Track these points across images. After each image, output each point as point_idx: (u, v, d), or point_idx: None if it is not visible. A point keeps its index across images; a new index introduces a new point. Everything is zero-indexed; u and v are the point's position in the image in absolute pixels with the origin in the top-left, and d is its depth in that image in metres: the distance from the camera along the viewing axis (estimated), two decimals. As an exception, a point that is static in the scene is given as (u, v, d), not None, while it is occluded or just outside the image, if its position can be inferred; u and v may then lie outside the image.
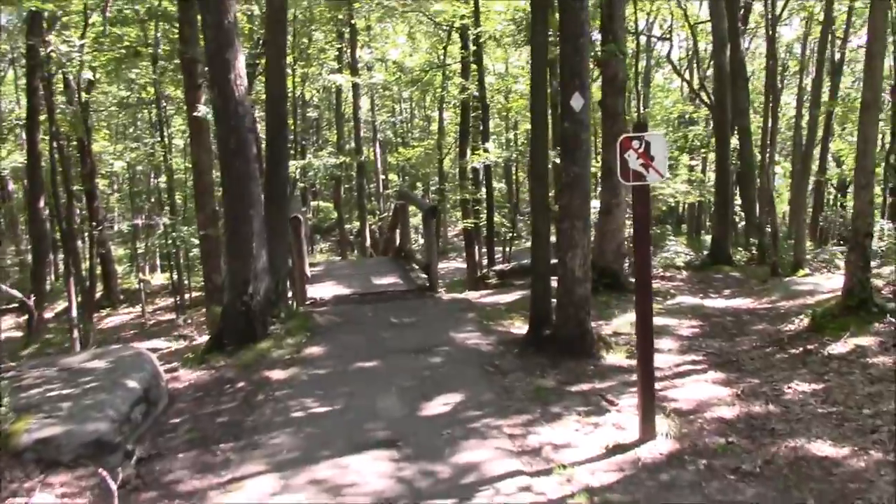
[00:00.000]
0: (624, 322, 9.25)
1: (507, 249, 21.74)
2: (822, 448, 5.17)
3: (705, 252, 16.56)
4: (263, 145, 11.06)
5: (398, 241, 14.11)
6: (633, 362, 7.45)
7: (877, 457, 4.96)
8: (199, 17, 12.10)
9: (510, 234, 22.41)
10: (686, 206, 29.38)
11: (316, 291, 11.09)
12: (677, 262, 14.11)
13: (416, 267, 12.36)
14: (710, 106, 18.11)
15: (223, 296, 9.42)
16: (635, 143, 5.36)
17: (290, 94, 25.77)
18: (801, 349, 7.78)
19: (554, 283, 8.19)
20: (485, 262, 21.54)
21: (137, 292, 27.24)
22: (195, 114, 13.89)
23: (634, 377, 7.03)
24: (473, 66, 21.97)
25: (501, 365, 7.56)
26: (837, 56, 23.61)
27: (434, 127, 37.96)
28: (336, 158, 23.92)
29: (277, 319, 9.16)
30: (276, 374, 7.64)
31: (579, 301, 7.52)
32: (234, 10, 8.68)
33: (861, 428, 5.49)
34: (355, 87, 24.93)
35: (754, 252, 15.99)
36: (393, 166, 41.79)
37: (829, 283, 11.33)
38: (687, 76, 26.43)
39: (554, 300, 8.15)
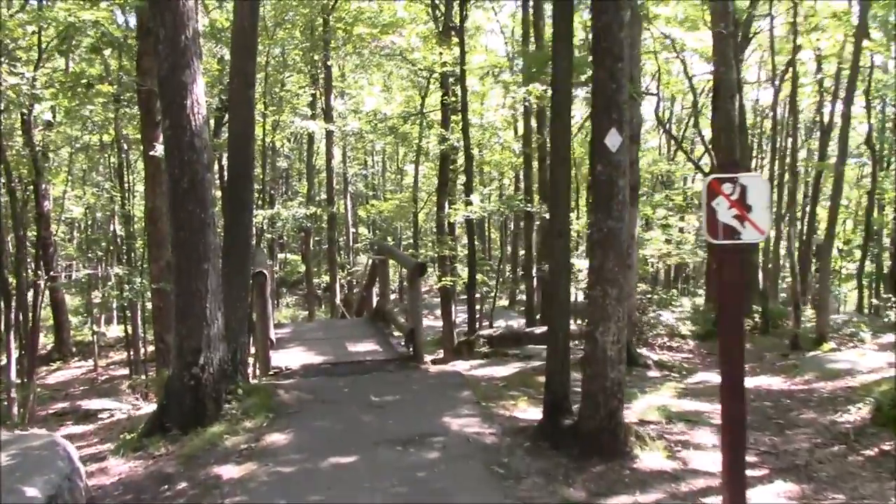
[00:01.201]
0: (648, 406, 7.72)
1: (491, 311, 20.16)
2: None
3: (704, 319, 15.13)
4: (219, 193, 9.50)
5: (375, 301, 12.50)
6: (676, 465, 5.93)
7: None
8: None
9: (492, 294, 20.87)
10: (669, 269, 28.15)
11: (281, 359, 9.42)
12: (682, 331, 12.68)
13: (396, 332, 10.76)
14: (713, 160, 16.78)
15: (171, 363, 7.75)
16: (727, 188, 3.90)
17: (259, 141, 24.34)
18: (876, 450, 6.29)
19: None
20: (460, 321, 19.96)
21: (91, 345, 25.35)
22: (151, 153, 12.30)
23: (684, 487, 5.51)
24: (454, 117, 20.72)
25: (512, 465, 5.96)
26: (827, 117, 22.74)
27: (407, 180, 36.68)
28: (306, 209, 22.39)
29: (233, 396, 7.48)
30: (229, 472, 5.96)
31: (612, 387, 5.96)
32: (193, 25, 7.16)
33: None
34: (329, 135, 23.48)
35: (757, 320, 14.61)
36: (363, 220, 40.36)
37: (864, 360, 9.91)
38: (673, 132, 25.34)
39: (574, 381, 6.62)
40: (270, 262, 12.07)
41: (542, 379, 8.98)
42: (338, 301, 23.13)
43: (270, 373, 8.92)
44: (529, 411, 7.61)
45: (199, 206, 7.08)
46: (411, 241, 37.07)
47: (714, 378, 9.60)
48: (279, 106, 23.61)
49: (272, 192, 30.25)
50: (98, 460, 6.89)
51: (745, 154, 14.79)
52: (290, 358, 9.47)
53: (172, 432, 6.97)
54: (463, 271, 23.60)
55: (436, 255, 20.16)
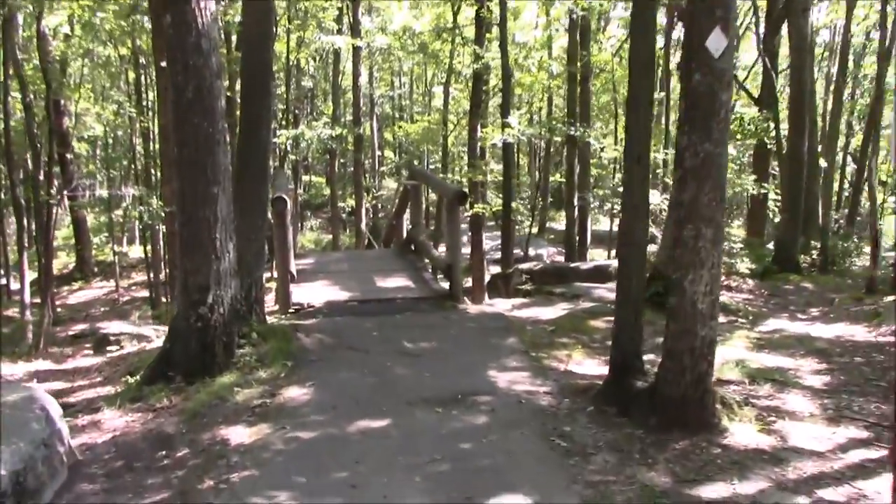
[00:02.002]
0: (724, 361, 6.60)
1: (527, 240, 18.96)
2: None
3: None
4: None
5: (405, 231, 11.40)
6: (774, 441, 4.85)
7: None
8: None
9: (526, 223, 19.66)
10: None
11: (303, 294, 8.38)
12: (741, 269, 11.49)
13: (430, 266, 9.67)
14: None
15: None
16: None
17: (283, 60, 23.00)
18: None
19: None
20: (487, 248, 18.85)
21: (113, 265, 24.60)
22: (164, 64, 11.08)
23: (791, 473, 4.43)
24: (488, 34, 19.28)
25: (576, 436, 4.91)
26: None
27: (436, 102, 35.16)
28: (331, 130, 21.18)
29: (247, 340, 6.48)
30: (238, 436, 4.97)
31: (701, 347, 4.86)
32: None
33: None
34: (356, 51, 22.12)
35: (815, 257, 13.39)
36: (390, 142, 39.10)
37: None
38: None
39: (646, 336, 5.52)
40: (292, 186, 10.94)
41: (596, 323, 7.93)
42: (363, 227, 22.06)
43: (290, 310, 7.89)
44: (586, 364, 6.55)
45: (207, 118, 5.97)
46: (439, 164, 35.86)
47: (789, 326, 8.49)
48: (304, 21, 22.22)
49: (296, 111, 29.03)
50: (93, 410, 5.93)
51: (811, 78, 13.32)
52: (313, 293, 8.43)
53: (177, 381, 6.02)
54: (493, 199, 22.46)
55: (466, 181, 18.93)
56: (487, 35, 18.43)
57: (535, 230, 27.82)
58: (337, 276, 9.35)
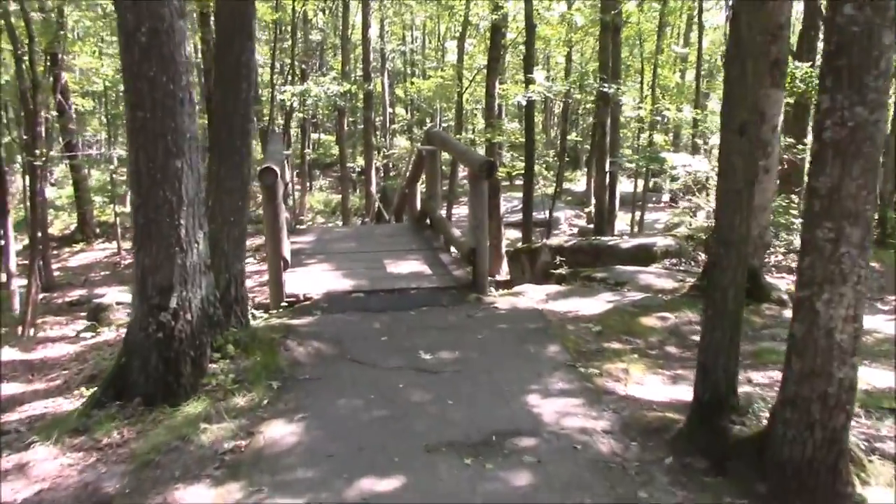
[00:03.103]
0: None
1: (552, 206, 17.43)
2: None
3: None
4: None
5: (419, 201, 9.93)
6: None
7: None
8: None
9: (555, 189, 18.14)
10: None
11: (299, 283, 6.97)
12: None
13: (448, 245, 8.24)
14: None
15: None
16: None
17: (288, 11, 21.38)
18: None
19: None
20: (504, 212, 17.40)
21: (114, 226, 23.33)
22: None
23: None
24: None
25: (658, 509, 3.55)
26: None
27: (450, 57, 33.38)
28: (340, 86, 19.66)
29: (223, 353, 5.09)
30: (197, 501, 3.63)
31: (839, 394, 3.45)
32: None
33: None
34: (365, 1, 20.47)
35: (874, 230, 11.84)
36: (402, 99, 37.43)
37: None
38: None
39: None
40: (289, 152, 9.46)
41: (649, 322, 6.54)
42: (373, 189, 20.57)
43: (284, 303, 6.50)
44: (650, 383, 5.15)
45: (167, 70, 4.53)
46: (452, 123, 34.22)
47: (874, 323, 7.03)
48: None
49: (304, 66, 27.40)
50: (24, 447, 4.58)
51: None
52: (311, 282, 7.02)
53: (133, 404, 4.66)
54: (508, 160, 20.95)
55: (484, 142, 17.45)
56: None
57: (548, 191, 26.36)
58: (340, 259, 7.91)
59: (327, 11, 30.63)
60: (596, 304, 7.03)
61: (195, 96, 4.76)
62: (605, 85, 11.74)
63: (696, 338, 6.18)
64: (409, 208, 10.12)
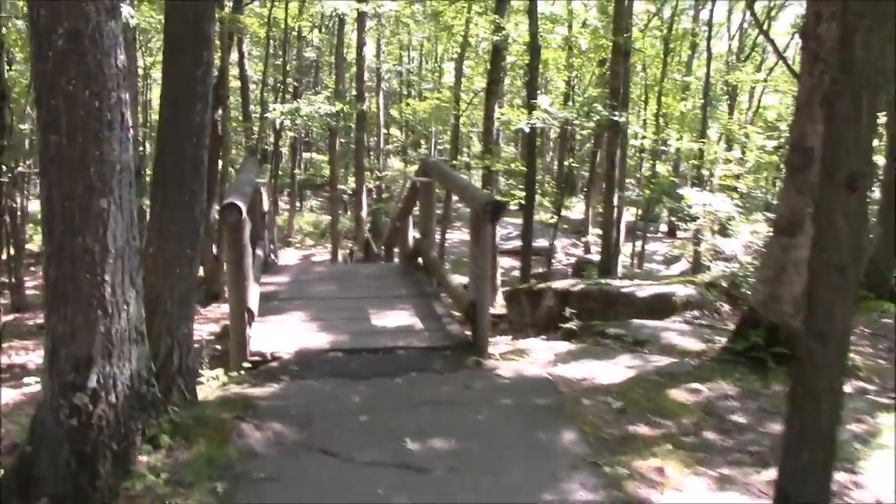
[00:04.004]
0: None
1: (553, 237, 16.40)
2: None
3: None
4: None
5: (411, 237, 8.83)
6: None
7: None
8: None
9: (556, 221, 17.11)
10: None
11: (268, 337, 5.86)
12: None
13: (441, 290, 7.14)
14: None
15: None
16: None
17: (281, 27, 20.41)
18: None
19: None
20: (498, 238, 16.33)
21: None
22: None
23: None
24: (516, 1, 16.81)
25: None
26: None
27: (447, 78, 32.51)
28: (332, 106, 18.65)
29: (157, 442, 3.99)
30: None
31: None
32: None
33: None
34: (361, 18, 19.51)
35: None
36: (396, 120, 36.48)
37: None
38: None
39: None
40: (264, 181, 8.39)
41: (680, 396, 5.49)
42: (363, 213, 19.49)
43: (247, 364, 5.40)
44: (692, 489, 4.08)
45: (89, 83, 3.50)
46: (447, 146, 33.28)
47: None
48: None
49: (297, 84, 26.45)
50: None
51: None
52: (281, 336, 5.91)
53: (38, 507, 3.58)
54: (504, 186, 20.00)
55: (481, 169, 16.47)
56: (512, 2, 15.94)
57: (547, 218, 25.36)
58: (319, 306, 6.79)
59: (323, 29, 29.75)
60: (614, 369, 5.97)
61: (129, 118, 3.69)
62: (616, 113, 10.76)
63: (736, 418, 5.16)
64: (399, 244, 9.04)
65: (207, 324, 11.73)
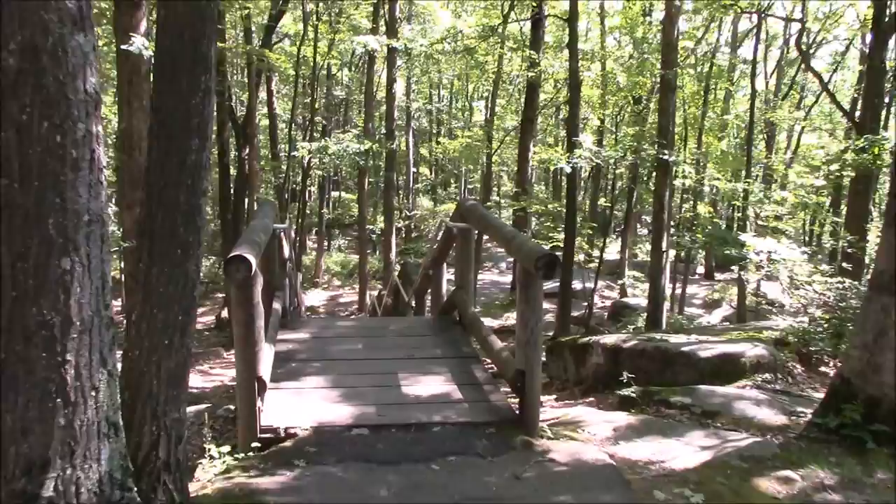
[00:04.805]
0: None
1: (594, 282, 15.45)
2: None
3: None
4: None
5: (444, 287, 7.95)
6: None
7: None
8: None
9: (598, 263, 16.17)
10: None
11: (282, 408, 5.01)
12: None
13: (479, 350, 6.23)
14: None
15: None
16: None
17: (310, 63, 19.87)
18: None
19: None
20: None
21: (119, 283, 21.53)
22: (126, 47, 7.88)
23: None
24: (550, 37, 16.11)
25: None
26: None
27: (476, 117, 31.89)
28: (360, 144, 18.01)
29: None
30: None
31: None
32: None
33: None
34: (390, 55, 18.91)
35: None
36: (426, 159, 35.93)
37: None
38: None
39: None
40: (284, 226, 7.58)
41: (770, 488, 4.57)
42: (392, 255, 18.66)
43: (256, 443, 4.56)
44: None
45: (50, 112, 2.73)
46: (478, 185, 32.56)
47: None
48: (333, 17, 19.08)
49: (325, 123, 25.93)
50: None
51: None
52: (298, 406, 5.06)
53: None
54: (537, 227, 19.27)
55: (513, 211, 15.72)
56: (549, 36, 15.26)
57: (578, 258, 24.42)
58: (342, 369, 5.93)
59: (352, 67, 29.33)
60: (686, 450, 5.04)
61: (101, 156, 2.90)
62: (665, 152, 9.89)
63: (844, 520, 4.25)
64: (432, 294, 8.16)
65: (229, 368, 10.81)
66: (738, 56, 24.95)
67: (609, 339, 8.07)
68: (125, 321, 3.60)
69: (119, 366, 3.20)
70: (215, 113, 19.15)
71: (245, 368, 4.59)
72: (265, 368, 4.74)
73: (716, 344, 7.30)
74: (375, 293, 17.68)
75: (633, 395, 6.10)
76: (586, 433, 5.34)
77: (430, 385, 5.54)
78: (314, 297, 24.64)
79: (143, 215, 3.43)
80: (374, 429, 4.78)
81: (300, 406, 5.08)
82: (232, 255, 4.27)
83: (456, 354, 6.26)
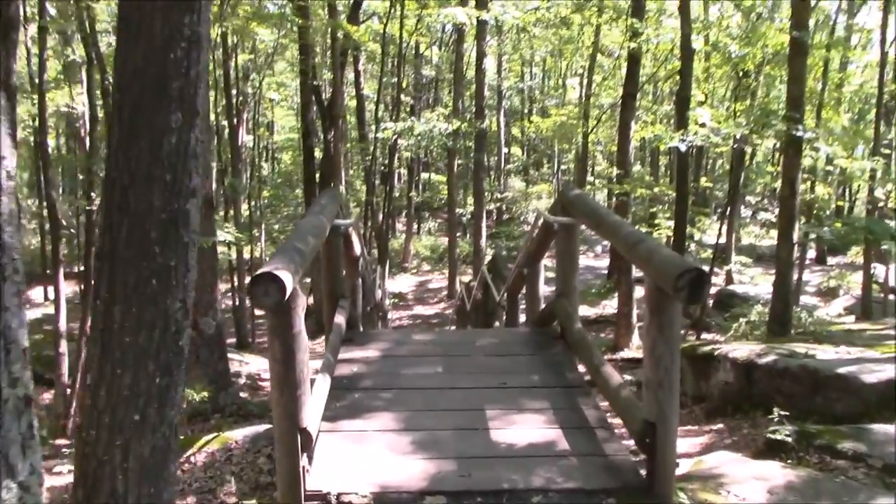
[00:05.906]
0: None
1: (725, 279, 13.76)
2: None
3: None
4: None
5: (541, 290, 6.59)
6: None
7: None
8: None
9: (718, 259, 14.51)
10: None
11: (334, 462, 3.83)
12: None
13: (591, 385, 4.85)
14: None
15: None
16: None
17: (397, 41, 18.73)
18: None
19: None
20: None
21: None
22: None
23: None
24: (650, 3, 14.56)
25: None
26: None
27: (570, 95, 30.21)
28: (448, 124, 16.80)
29: None
30: None
31: None
32: None
33: None
34: (480, 28, 17.57)
35: None
36: (517, 139, 34.45)
37: None
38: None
39: None
40: (349, 221, 6.34)
41: None
42: (482, 242, 17.40)
43: (297, 514, 3.41)
44: None
45: None
46: (571, 165, 30.92)
47: None
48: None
49: (413, 103, 24.83)
50: None
51: None
52: (355, 461, 3.83)
53: None
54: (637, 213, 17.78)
55: (615, 194, 14.25)
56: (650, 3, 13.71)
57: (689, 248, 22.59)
58: (416, 402, 4.65)
59: (442, 46, 28.12)
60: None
61: (8, 149, 1.76)
62: (798, 127, 8.28)
63: None
64: (527, 299, 6.82)
65: (314, 360, 9.65)
66: (855, 22, 22.61)
67: (740, 351, 6.62)
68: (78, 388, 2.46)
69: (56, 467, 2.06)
70: (299, 93, 18.29)
71: (284, 417, 3.43)
72: (311, 416, 3.57)
73: (884, 363, 5.80)
74: (465, 281, 16.52)
75: (788, 439, 4.69)
76: (727, 492, 3.98)
77: (527, 428, 4.26)
78: (402, 283, 23.68)
79: (100, 228, 2.28)
80: (454, 496, 3.55)
81: (360, 459, 3.89)
82: (260, 272, 3.11)
83: (559, 383, 4.95)
